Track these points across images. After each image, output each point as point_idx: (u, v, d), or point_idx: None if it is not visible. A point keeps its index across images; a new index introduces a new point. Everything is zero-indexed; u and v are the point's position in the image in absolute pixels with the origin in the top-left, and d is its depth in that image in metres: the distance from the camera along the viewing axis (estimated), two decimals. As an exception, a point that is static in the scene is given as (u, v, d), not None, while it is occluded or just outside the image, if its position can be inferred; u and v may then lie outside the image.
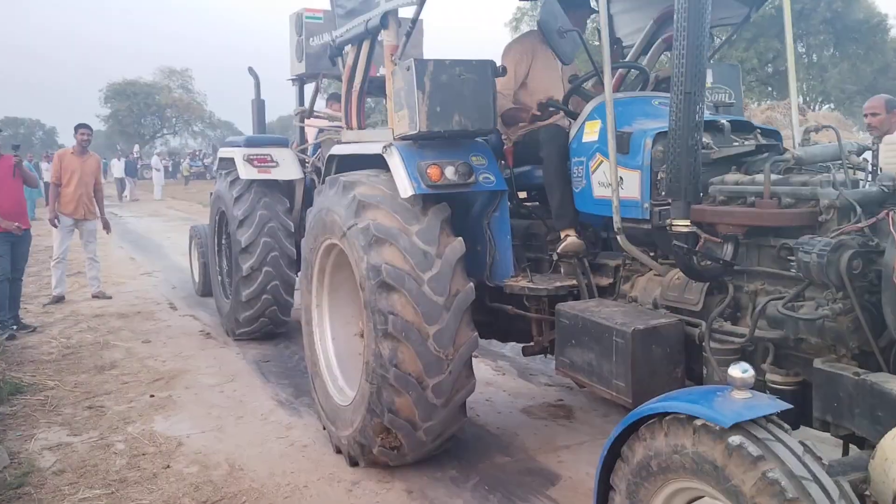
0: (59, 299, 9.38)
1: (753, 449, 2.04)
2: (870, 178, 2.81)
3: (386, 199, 3.99)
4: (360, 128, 4.75)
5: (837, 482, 1.97)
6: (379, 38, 4.40)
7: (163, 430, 4.93)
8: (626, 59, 5.13)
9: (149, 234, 17.49)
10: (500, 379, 5.83)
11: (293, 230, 7.16)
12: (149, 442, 4.70)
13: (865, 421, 2.36)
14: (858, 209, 2.57)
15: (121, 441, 4.74)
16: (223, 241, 7.95)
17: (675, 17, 2.89)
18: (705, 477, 2.17)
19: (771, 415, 2.15)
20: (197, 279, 9.77)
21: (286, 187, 7.36)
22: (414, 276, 3.75)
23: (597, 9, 3.97)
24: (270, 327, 7.15)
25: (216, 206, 7.79)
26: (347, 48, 4.79)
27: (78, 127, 9.42)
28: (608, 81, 3.38)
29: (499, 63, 4.17)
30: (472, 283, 3.92)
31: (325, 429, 4.59)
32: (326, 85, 7.64)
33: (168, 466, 4.34)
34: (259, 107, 8.59)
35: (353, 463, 4.22)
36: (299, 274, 7.31)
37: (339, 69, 5.17)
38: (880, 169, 2.86)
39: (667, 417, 2.35)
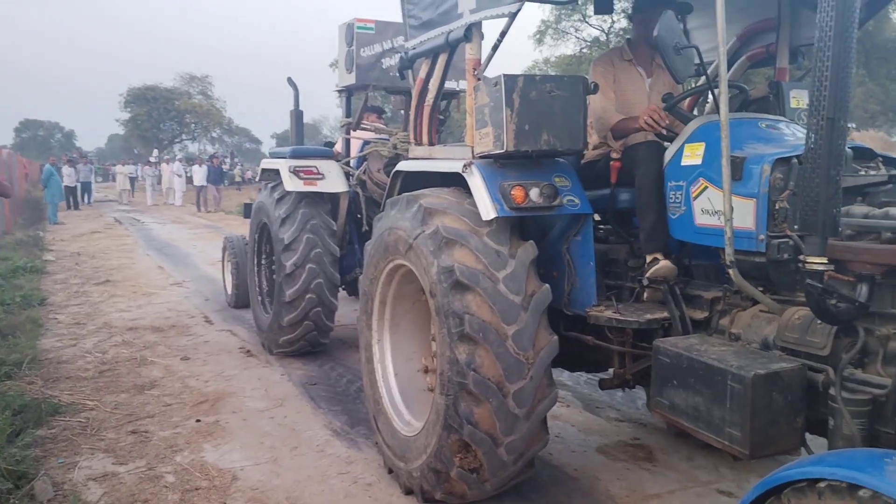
0: None
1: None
2: None
3: (453, 206, 3.82)
4: (430, 144, 4.49)
5: None
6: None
7: (214, 460, 4.62)
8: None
9: (174, 242, 17.27)
10: (565, 412, 5.48)
11: (335, 230, 6.96)
12: (200, 474, 4.39)
13: None
14: None
15: (170, 472, 4.44)
16: (262, 260, 7.71)
17: (816, 32, 2.63)
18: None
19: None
20: (230, 291, 9.60)
21: (329, 199, 7.12)
22: (488, 275, 3.55)
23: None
24: (314, 334, 6.83)
25: (257, 218, 7.53)
26: (420, 60, 4.54)
27: None
28: (724, 101, 3.08)
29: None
30: (547, 285, 3.69)
31: (390, 472, 4.29)
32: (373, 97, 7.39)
33: (225, 504, 4.04)
34: (298, 117, 8.40)
35: (427, 499, 3.92)
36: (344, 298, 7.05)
37: (410, 82, 4.93)
38: None
39: (820, 484, 2.08)
